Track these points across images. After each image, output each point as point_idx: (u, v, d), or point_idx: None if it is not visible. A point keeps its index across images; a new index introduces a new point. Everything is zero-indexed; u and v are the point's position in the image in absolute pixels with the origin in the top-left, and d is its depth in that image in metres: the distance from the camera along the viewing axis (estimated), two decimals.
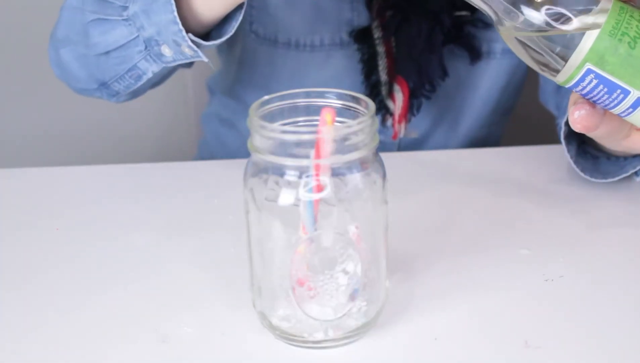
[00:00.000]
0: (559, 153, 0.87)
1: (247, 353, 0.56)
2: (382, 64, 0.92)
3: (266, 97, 0.56)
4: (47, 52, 0.88)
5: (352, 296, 0.55)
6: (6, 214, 0.77)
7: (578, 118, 0.60)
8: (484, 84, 0.99)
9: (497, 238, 0.70)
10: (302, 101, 0.57)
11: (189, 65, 0.90)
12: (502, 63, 0.98)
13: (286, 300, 0.55)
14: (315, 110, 0.55)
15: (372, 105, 0.54)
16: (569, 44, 0.55)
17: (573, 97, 0.61)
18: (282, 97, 0.57)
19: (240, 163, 0.58)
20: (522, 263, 0.67)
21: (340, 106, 0.56)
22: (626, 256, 0.67)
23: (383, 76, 0.93)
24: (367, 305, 0.56)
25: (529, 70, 1.02)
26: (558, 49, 0.55)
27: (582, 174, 0.78)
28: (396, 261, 0.65)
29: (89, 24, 0.79)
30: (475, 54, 0.95)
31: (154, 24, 0.75)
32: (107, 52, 0.80)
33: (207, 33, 0.80)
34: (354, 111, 0.56)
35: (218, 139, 1.11)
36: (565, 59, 0.55)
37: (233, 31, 0.77)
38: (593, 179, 0.78)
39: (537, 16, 0.55)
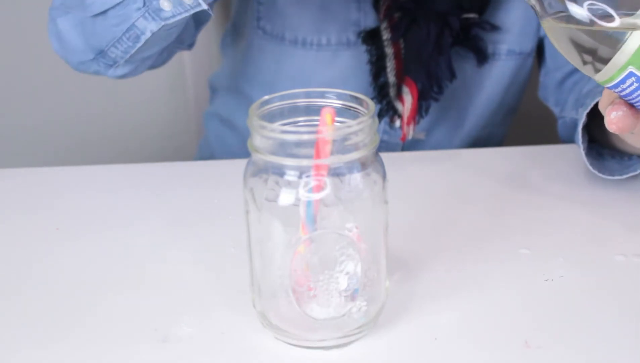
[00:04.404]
0: (559, 153, 0.87)
1: (247, 353, 0.56)
2: (390, 66, 0.92)
3: (266, 97, 0.56)
4: (47, 26, 0.87)
5: (352, 296, 0.55)
6: (6, 214, 0.77)
7: (614, 119, 0.59)
8: (488, 85, 0.99)
9: (497, 238, 0.70)
10: (302, 101, 0.57)
11: (190, 46, 0.90)
12: (506, 65, 0.98)
13: (286, 300, 0.55)
14: (315, 110, 0.55)
15: (372, 105, 0.54)
16: (613, 44, 0.54)
17: (607, 95, 0.61)
18: (282, 97, 0.57)
19: (240, 163, 0.58)
20: (522, 263, 0.67)
21: (340, 106, 0.56)
22: (626, 256, 0.67)
23: (391, 78, 0.93)
24: (367, 305, 0.56)
25: (531, 72, 1.03)
26: (601, 49, 0.55)
27: (590, 168, 0.78)
28: (396, 261, 0.65)
29: None
30: (482, 56, 0.95)
31: None
32: (105, 12, 0.80)
33: None
34: (354, 111, 0.56)
35: (218, 138, 1.12)
36: (608, 59, 0.55)
37: None
38: (600, 175, 0.78)
39: (580, 12, 0.55)
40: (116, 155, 1.52)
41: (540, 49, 1.01)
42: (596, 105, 0.78)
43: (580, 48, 0.56)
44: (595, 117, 0.81)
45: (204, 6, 0.77)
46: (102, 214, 0.76)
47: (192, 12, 0.78)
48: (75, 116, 1.55)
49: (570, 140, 0.92)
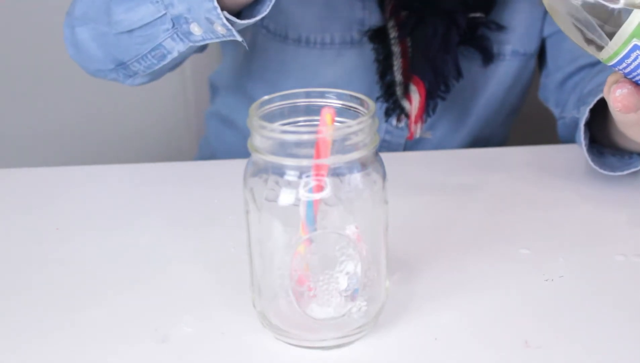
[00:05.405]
0: (559, 153, 0.87)
1: (247, 353, 0.56)
2: (397, 64, 0.92)
3: (266, 97, 0.56)
4: (62, 30, 0.86)
5: (352, 296, 0.55)
6: (6, 214, 0.77)
7: (619, 97, 0.59)
8: (492, 85, 0.99)
9: (497, 238, 0.70)
10: (302, 101, 0.57)
11: (203, 49, 0.88)
12: (510, 65, 0.98)
13: (286, 300, 0.55)
14: (315, 110, 0.55)
15: (372, 105, 0.54)
16: (616, 19, 0.54)
17: (610, 79, 0.61)
18: (283, 97, 0.57)
19: (240, 162, 0.58)
20: (522, 263, 0.67)
21: (340, 106, 0.56)
22: (626, 256, 0.67)
23: (398, 76, 0.92)
24: (367, 305, 0.56)
25: (534, 72, 1.03)
26: (605, 24, 0.54)
27: (592, 164, 0.78)
28: (396, 261, 0.65)
29: (112, 1, 0.78)
30: (488, 56, 0.95)
31: (184, 1, 0.73)
32: (131, 31, 0.78)
33: (238, 12, 0.76)
34: (354, 111, 0.56)
35: (219, 137, 1.12)
36: (611, 35, 0.54)
37: (268, 10, 0.73)
38: (601, 171, 0.78)
39: None
40: (116, 155, 1.52)
41: (541, 50, 1.01)
42: (599, 102, 0.78)
43: (583, 25, 0.56)
44: (596, 116, 0.80)
45: (238, 38, 0.74)
46: (102, 214, 0.76)
47: (223, 40, 0.75)
48: (75, 116, 1.56)
49: (570, 141, 0.92)
